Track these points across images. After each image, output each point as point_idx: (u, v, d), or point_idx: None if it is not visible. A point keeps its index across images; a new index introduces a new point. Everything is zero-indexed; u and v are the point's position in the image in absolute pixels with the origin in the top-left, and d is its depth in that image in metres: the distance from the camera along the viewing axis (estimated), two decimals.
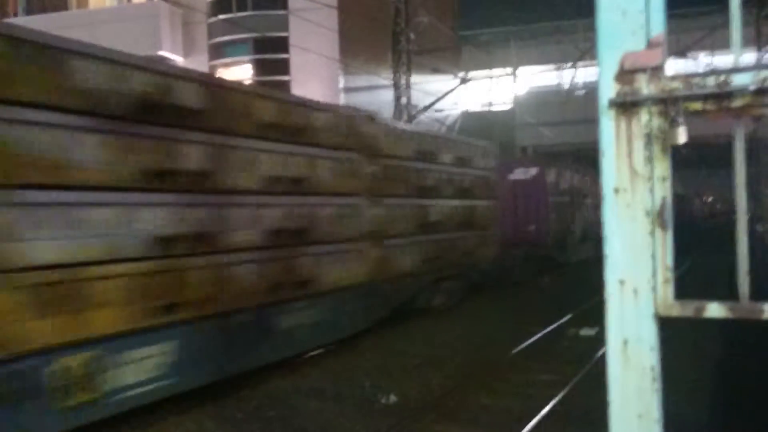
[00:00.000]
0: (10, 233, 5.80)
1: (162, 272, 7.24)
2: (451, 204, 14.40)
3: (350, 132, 10.87)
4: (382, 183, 11.72)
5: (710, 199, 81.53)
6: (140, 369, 7.02)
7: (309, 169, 9.75)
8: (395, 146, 12.35)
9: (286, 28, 25.88)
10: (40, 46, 6.14)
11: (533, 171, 21.81)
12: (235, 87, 9.11)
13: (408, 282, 12.55)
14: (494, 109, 38.19)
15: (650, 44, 2.00)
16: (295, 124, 9.46)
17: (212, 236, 7.93)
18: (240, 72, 27.01)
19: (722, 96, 1.93)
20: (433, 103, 25.79)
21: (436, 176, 13.81)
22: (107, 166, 6.67)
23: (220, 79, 9.83)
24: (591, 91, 30.41)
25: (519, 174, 21.56)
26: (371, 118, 11.79)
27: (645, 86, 2.00)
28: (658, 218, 1.98)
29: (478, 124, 34.82)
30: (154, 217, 7.21)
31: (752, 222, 30.08)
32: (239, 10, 26.06)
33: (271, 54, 26.48)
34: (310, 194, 9.75)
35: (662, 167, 1.99)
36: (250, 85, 11.38)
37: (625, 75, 2.02)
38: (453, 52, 35.73)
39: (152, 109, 7.17)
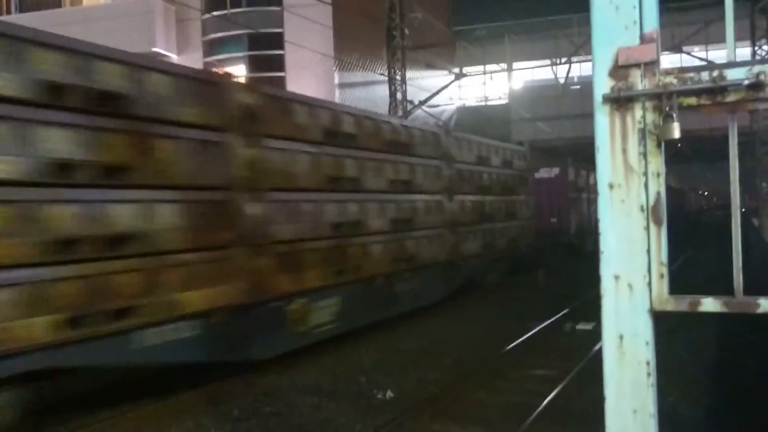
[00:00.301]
0: (270, 219, 9.06)
1: (335, 247, 10.47)
2: (500, 199, 17.66)
3: (435, 144, 14.27)
4: (455, 183, 14.97)
5: (706, 192, 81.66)
6: (325, 313, 10.26)
7: (411, 174, 13.11)
8: (463, 153, 15.60)
9: (280, 25, 25.81)
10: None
11: (555, 170, 25.32)
12: (371, 116, 12.28)
13: (473, 262, 15.79)
14: (490, 103, 38.21)
15: (644, 39, 2.00)
16: (403, 140, 12.92)
17: (361, 223, 11.21)
18: (235, 69, 26.95)
19: (716, 91, 1.93)
20: (428, 99, 25.79)
21: (489, 176, 17.09)
22: (308, 176, 9.97)
23: (365, 111, 12.73)
24: (586, 85, 30.41)
25: (543, 173, 24.93)
26: (447, 131, 15.47)
27: (639, 81, 2.00)
28: (652, 213, 1.98)
29: (474, 119, 34.83)
30: (332, 210, 10.49)
31: (748, 215, 30.17)
32: (233, 6, 25.98)
33: (266, 50, 26.42)
34: (413, 193, 13.07)
35: (656, 162, 1.99)
36: (378, 114, 14.02)
37: (619, 70, 2.02)
38: (447, 48, 35.71)
39: (331, 136, 10.52)
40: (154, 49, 26.55)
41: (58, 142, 6.43)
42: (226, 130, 8.44)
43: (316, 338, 10.04)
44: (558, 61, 29.24)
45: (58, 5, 29.06)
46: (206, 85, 8.35)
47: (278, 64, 26.25)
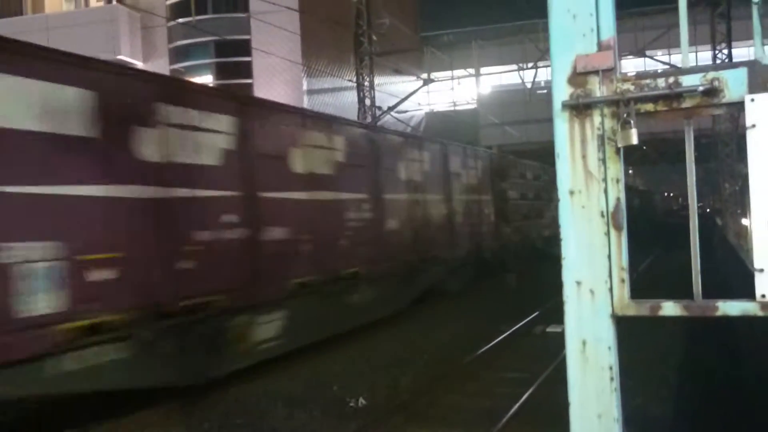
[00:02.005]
0: None
1: None
2: (533, 203, 24.25)
3: (492, 162, 20.73)
4: (506, 191, 21.27)
5: (671, 194, 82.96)
6: None
7: (480, 183, 19.24)
8: (507, 169, 21.98)
9: (247, 31, 25.68)
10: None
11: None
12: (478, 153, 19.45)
13: (517, 248, 21.58)
14: (458, 108, 38.40)
15: (601, 47, 2.02)
16: (476, 164, 19.22)
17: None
18: (201, 76, 26.75)
19: (672, 97, 1.95)
20: (397, 104, 25.83)
21: (527, 185, 24.05)
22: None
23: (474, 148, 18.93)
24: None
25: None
26: (501, 153, 22.53)
27: (597, 88, 2.02)
28: (612, 219, 2.00)
29: (443, 124, 34.98)
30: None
31: (713, 216, 30.72)
32: (199, 13, 25.79)
33: (233, 57, 26.27)
34: (482, 195, 19.08)
35: (615, 168, 2.01)
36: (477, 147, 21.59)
37: (577, 77, 2.04)
38: (415, 54, 35.84)
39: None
40: (119, 57, 26.24)
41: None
42: None
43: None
44: (525, 66, 29.52)
45: (20, 12, 28.56)
46: None
47: (246, 70, 26.11)
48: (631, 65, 29.61)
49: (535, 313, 13.37)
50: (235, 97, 10.03)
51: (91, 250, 6.85)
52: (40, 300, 6.32)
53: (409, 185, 14.48)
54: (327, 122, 12.02)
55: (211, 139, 8.72)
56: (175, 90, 8.62)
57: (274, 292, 9.58)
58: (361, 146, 12.79)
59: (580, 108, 2.03)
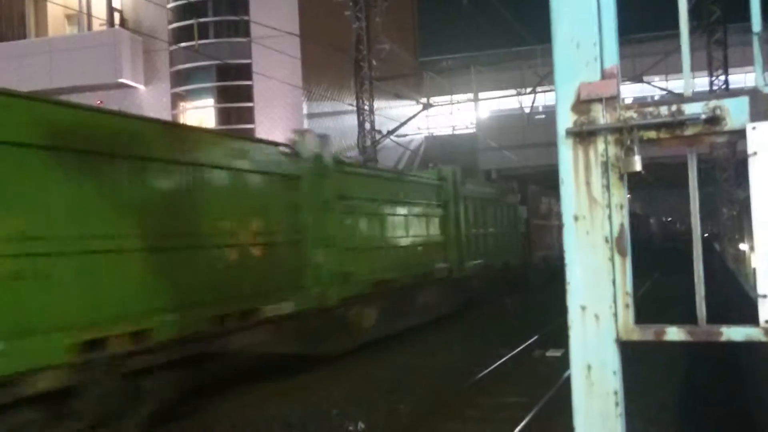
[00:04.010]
0: None
1: None
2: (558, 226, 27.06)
3: (521, 193, 25.27)
4: (530, 220, 26.01)
5: (669, 219, 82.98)
6: None
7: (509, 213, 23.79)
8: (535, 198, 26.96)
9: (248, 56, 25.88)
10: None
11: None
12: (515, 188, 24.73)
13: (539, 266, 26.06)
14: (457, 133, 38.60)
15: (605, 75, 2.06)
16: (514, 198, 24.52)
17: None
18: (202, 100, 26.91)
19: (675, 125, 1.99)
20: (396, 128, 25.98)
21: (550, 213, 28.30)
22: None
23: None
24: (551, 114, 30.89)
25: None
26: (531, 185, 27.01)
27: (601, 116, 2.05)
28: (617, 245, 2.02)
29: (442, 148, 35.14)
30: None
31: (711, 241, 30.74)
32: (201, 37, 25.99)
33: (234, 81, 26.44)
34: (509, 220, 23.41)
35: (619, 194, 2.04)
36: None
37: (581, 105, 2.08)
38: (414, 79, 36.12)
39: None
40: (121, 80, 26.40)
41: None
42: None
43: None
44: (523, 91, 29.72)
45: (23, 36, 28.78)
46: None
47: (247, 94, 26.27)
48: (628, 90, 29.84)
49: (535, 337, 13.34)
50: None
51: None
52: None
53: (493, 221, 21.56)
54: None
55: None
56: None
57: None
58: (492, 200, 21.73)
59: (584, 135, 2.06)
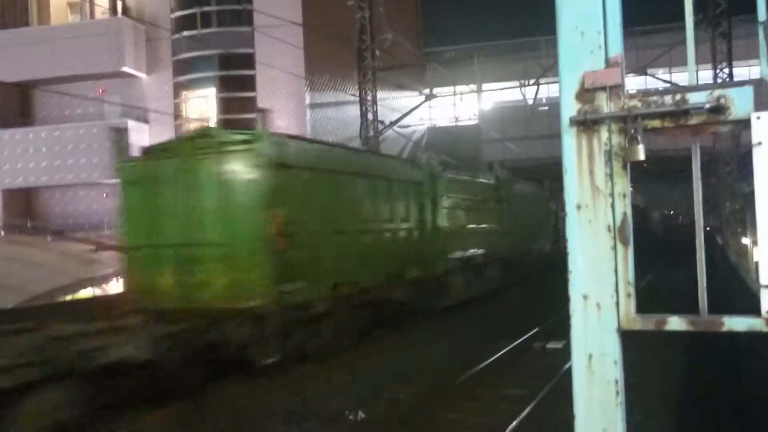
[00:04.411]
0: None
1: None
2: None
3: (551, 193, 27.92)
4: (558, 211, 25.92)
5: (671, 212, 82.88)
6: None
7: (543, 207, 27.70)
8: (557, 194, 25.79)
9: (251, 45, 25.84)
10: None
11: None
12: (544, 184, 28.53)
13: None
14: (460, 124, 38.57)
15: (609, 63, 2.05)
16: (544, 193, 27.99)
17: None
18: (205, 89, 26.87)
19: (679, 114, 1.98)
20: (399, 119, 25.93)
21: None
22: None
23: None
24: (554, 106, 30.87)
25: None
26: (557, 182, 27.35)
27: (605, 104, 2.04)
28: (619, 234, 2.01)
29: (444, 139, 35.11)
30: None
31: (712, 234, 30.73)
32: (204, 26, 25.96)
33: (237, 71, 26.40)
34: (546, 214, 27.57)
35: (622, 183, 2.03)
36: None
37: (585, 94, 2.07)
38: (418, 69, 36.04)
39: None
40: (123, 69, 26.37)
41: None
42: None
43: None
44: (526, 83, 29.65)
45: (26, 24, 28.74)
46: None
47: (249, 84, 26.25)
48: (632, 83, 29.78)
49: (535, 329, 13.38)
50: None
51: None
52: None
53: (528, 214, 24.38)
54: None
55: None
56: None
57: None
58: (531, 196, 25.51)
59: (587, 124, 2.05)
